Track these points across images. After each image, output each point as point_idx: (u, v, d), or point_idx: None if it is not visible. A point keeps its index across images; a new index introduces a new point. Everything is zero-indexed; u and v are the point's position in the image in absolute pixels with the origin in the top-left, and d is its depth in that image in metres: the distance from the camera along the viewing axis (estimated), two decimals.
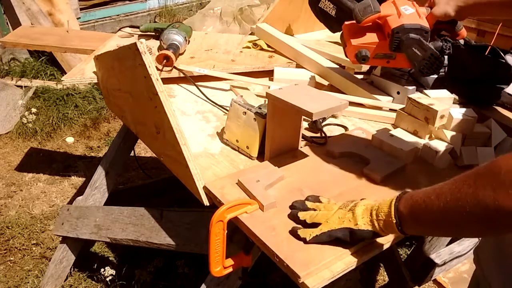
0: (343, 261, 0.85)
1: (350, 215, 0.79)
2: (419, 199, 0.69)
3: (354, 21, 1.23)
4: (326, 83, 1.56)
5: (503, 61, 1.35)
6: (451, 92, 1.36)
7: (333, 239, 0.81)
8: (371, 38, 1.26)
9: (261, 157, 1.15)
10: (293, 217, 0.89)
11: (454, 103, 1.39)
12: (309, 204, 0.89)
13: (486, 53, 1.38)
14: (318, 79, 1.56)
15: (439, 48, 1.22)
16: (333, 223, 0.81)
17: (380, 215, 0.74)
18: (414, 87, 1.40)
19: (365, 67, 1.60)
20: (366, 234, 0.77)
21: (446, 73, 1.44)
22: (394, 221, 0.72)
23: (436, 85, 1.43)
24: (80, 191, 2.59)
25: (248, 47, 1.77)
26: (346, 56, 1.33)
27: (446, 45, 1.23)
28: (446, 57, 1.37)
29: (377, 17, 1.22)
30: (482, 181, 0.59)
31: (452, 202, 0.62)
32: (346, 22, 1.30)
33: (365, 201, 0.81)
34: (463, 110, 1.23)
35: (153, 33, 1.79)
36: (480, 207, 0.59)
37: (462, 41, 1.45)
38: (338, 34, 1.37)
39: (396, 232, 0.73)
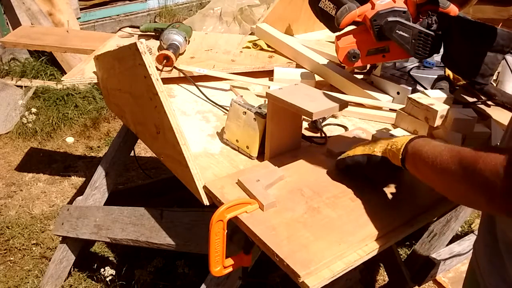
0: (343, 260, 0.85)
1: (372, 145, 0.97)
2: (423, 152, 0.82)
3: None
4: (326, 83, 1.56)
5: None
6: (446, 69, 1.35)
7: (355, 163, 0.99)
8: (356, 35, 1.30)
9: (261, 157, 1.15)
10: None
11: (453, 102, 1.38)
12: None
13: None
14: (318, 79, 1.57)
15: (425, 25, 1.22)
16: (357, 151, 1.00)
17: (392, 148, 0.91)
18: (414, 87, 1.40)
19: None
20: (378, 159, 0.95)
21: (443, 53, 1.41)
22: (400, 157, 0.88)
23: (436, 85, 1.43)
24: (80, 191, 2.59)
25: (248, 47, 1.77)
26: (341, 62, 1.35)
27: (431, 19, 1.22)
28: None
29: (354, 16, 1.25)
30: (466, 172, 0.71)
31: (441, 170, 0.76)
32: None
33: (386, 139, 0.98)
34: (463, 110, 1.23)
35: (153, 33, 1.79)
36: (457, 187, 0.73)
37: None
38: (338, 34, 1.38)
39: (399, 163, 0.89)
